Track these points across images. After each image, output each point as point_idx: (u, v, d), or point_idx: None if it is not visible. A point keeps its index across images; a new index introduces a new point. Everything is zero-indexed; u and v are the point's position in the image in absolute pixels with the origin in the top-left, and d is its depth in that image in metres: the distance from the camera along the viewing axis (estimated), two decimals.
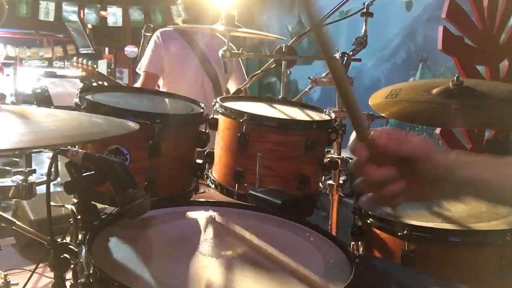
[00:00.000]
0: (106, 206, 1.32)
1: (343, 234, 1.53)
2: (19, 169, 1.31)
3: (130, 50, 7.52)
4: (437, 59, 4.06)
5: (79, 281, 0.84)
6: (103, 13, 6.95)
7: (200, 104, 1.54)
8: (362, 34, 1.83)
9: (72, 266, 0.98)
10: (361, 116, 0.81)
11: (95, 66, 3.13)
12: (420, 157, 0.77)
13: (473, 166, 0.78)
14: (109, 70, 7.92)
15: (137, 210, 0.95)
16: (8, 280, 1.67)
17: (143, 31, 3.15)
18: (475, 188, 0.78)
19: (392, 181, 0.77)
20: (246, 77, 2.89)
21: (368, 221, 1.30)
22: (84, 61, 3.12)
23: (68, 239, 1.27)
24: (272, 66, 2.02)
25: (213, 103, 1.52)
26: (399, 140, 0.78)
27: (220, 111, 1.47)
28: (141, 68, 2.73)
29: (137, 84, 2.80)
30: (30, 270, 1.79)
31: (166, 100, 1.63)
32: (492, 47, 2.78)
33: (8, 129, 0.90)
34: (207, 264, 0.91)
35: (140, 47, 3.21)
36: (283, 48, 1.91)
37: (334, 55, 0.79)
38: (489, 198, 0.85)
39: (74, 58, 3.21)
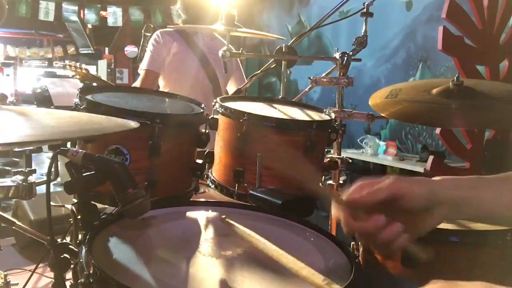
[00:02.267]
0: (106, 206, 1.32)
1: (343, 234, 1.52)
2: (19, 169, 1.31)
3: (130, 50, 7.53)
4: (437, 59, 4.06)
5: (79, 281, 0.84)
6: (103, 13, 6.95)
7: (200, 104, 1.54)
8: (362, 34, 1.83)
9: (72, 266, 0.98)
10: (324, 191, 0.86)
11: (88, 69, 3.13)
12: (396, 197, 0.77)
13: (458, 187, 0.78)
14: (109, 70, 7.94)
15: (137, 210, 0.95)
16: (8, 280, 1.67)
17: (143, 31, 3.15)
18: (464, 209, 0.78)
19: (386, 226, 0.76)
20: (245, 78, 2.89)
21: None
22: (78, 64, 3.12)
23: (68, 239, 1.27)
24: (272, 66, 2.02)
25: (213, 103, 1.52)
26: (370, 192, 0.78)
27: (220, 111, 1.47)
28: (142, 66, 2.73)
29: (137, 82, 2.79)
30: (30, 270, 1.78)
31: (166, 100, 1.63)
32: (492, 47, 2.78)
33: (8, 126, 0.90)
34: (207, 264, 0.91)
35: (140, 47, 3.20)
36: (283, 48, 1.91)
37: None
38: (478, 218, 0.85)
39: (67, 61, 3.20)
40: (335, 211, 0.83)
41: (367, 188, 0.79)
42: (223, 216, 1.03)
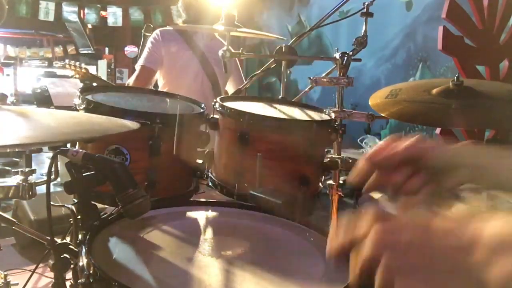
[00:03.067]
0: (106, 206, 1.32)
1: None
2: (19, 169, 1.31)
3: (130, 50, 7.53)
4: (437, 59, 4.06)
5: (79, 281, 0.84)
6: (103, 13, 6.95)
7: (200, 104, 1.54)
8: (362, 34, 1.83)
9: (72, 266, 0.98)
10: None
11: (87, 68, 3.12)
12: (419, 154, 0.79)
13: (479, 155, 0.81)
14: (109, 70, 7.94)
15: (137, 210, 0.95)
16: (8, 280, 1.67)
17: (143, 31, 3.15)
18: (483, 174, 0.80)
19: (411, 178, 0.79)
20: (244, 79, 2.89)
21: None
22: (77, 63, 3.11)
23: (68, 239, 1.27)
24: (272, 66, 2.02)
25: (213, 103, 1.52)
26: (392, 147, 0.80)
27: (220, 111, 1.47)
28: (139, 62, 2.72)
29: (132, 78, 2.75)
30: (30, 270, 1.79)
31: (166, 100, 1.63)
32: (492, 47, 2.78)
33: (8, 127, 0.90)
34: (207, 264, 0.91)
35: (140, 47, 3.20)
36: (283, 48, 1.91)
37: None
38: (500, 186, 0.87)
39: (67, 61, 3.20)
40: (361, 166, 0.82)
41: (392, 144, 0.81)
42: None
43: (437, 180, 0.80)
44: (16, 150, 4.35)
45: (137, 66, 2.73)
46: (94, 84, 3.07)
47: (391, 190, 0.81)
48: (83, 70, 3.08)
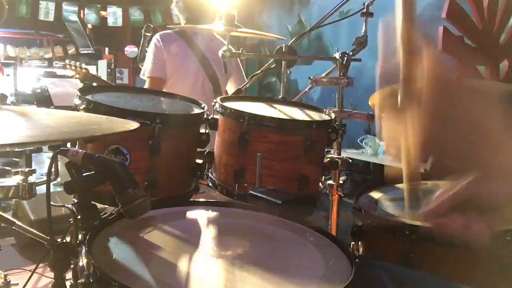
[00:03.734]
0: (106, 206, 1.32)
1: (343, 234, 1.53)
2: (19, 169, 1.31)
3: (130, 50, 7.54)
4: None
5: (79, 281, 0.84)
6: (103, 13, 6.96)
7: (200, 104, 1.54)
8: (362, 34, 1.83)
9: (72, 266, 0.98)
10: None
11: (87, 68, 3.12)
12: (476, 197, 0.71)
13: None
14: (109, 70, 7.94)
15: (137, 210, 0.95)
16: (8, 280, 1.67)
17: (143, 31, 3.15)
18: None
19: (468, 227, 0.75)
20: (245, 79, 2.89)
21: (368, 221, 1.30)
22: (78, 63, 3.11)
23: (68, 239, 1.27)
24: (272, 66, 2.02)
25: (213, 103, 1.52)
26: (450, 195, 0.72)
27: (220, 111, 1.47)
28: (145, 74, 2.72)
29: None
30: (30, 270, 1.79)
31: (166, 100, 1.63)
32: (492, 47, 2.78)
33: (8, 126, 0.90)
34: (207, 264, 0.91)
35: (140, 47, 3.21)
36: (283, 48, 1.91)
37: None
38: None
39: (67, 61, 3.20)
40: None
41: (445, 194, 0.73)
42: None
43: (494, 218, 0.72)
44: (16, 150, 4.35)
45: (144, 77, 2.73)
46: (94, 84, 3.07)
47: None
48: (83, 71, 3.07)
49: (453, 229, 0.73)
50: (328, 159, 1.59)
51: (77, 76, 3.07)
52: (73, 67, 3.05)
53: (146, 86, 2.73)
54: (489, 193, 0.72)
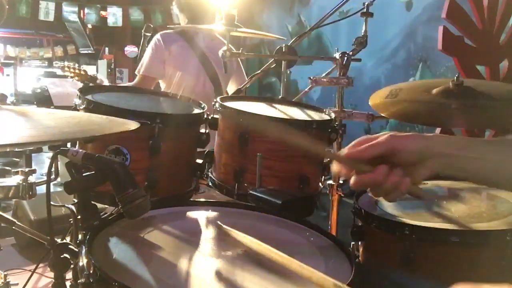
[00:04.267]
0: (106, 206, 1.32)
1: (343, 234, 1.53)
2: (19, 169, 1.31)
3: (130, 50, 7.53)
4: (437, 59, 4.05)
5: (79, 281, 0.84)
6: (103, 13, 6.95)
7: (200, 104, 1.54)
8: (362, 34, 1.83)
9: (72, 266, 0.98)
10: (320, 149, 0.99)
11: (86, 70, 3.11)
12: (392, 149, 0.84)
13: (446, 145, 0.85)
14: (109, 70, 7.94)
15: (137, 210, 0.95)
16: (8, 280, 1.67)
17: (143, 31, 3.15)
18: (454, 162, 0.84)
19: (389, 173, 0.83)
20: (246, 78, 2.89)
21: (368, 221, 1.30)
22: (76, 65, 3.09)
23: (68, 239, 1.27)
24: (272, 66, 2.02)
25: (213, 103, 1.52)
26: (368, 147, 0.85)
27: (220, 111, 1.47)
28: (140, 70, 2.72)
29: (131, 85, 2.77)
30: (30, 270, 1.78)
31: (166, 100, 1.63)
32: (492, 47, 2.78)
33: (8, 126, 0.90)
34: (207, 264, 0.91)
35: (140, 47, 3.20)
36: (283, 48, 1.91)
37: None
38: (466, 176, 0.90)
39: (65, 63, 3.18)
40: (337, 169, 0.88)
41: (364, 143, 0.86)
42: (223, 216, 1.03)
43: (412, 170, 0.84)
44: (16, 150, 4.35)
45: (138, 73, 2.73)
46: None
47: (375, 188, 0.85)
48: (82, 72, 3.07)
49: (377, 174, 0.83)
50: (328, 159, 1.59)
51: (76, 78, 3.06)
52: (71, 69, 3.04)
53: (135, 82, 2.72)
54: (405, 151, 0.83)
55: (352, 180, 0.85)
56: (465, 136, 2.83)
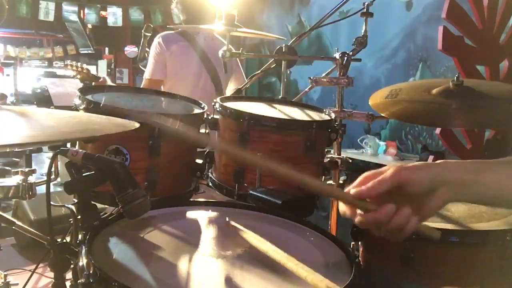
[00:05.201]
0: (106, 206, 1.32)
1: (343, 234, 1.52)
2: (19, 169, 1.31)
3: (130, 50, 7.53)
4: (437, 59, 4.06)
5: (79, 281, 0.84)
6: (103, 13, 6.94)
7: (200, 104, 1.54)
8: (362, 34, 1.83)
9: (72, 266, 0.98)
10: (331, 190, 0.93)
11: (89, 69, 3.12)
12: (400, 184, 0.79)
13: (460, 170, 0.81)
14: (109, 70, 7.94)
15: (137, 210, 0.95)
16: (8, 280, 1.67)
17: (143, 31, 3.16)
18: (465, 190, 0.80)
19: (396, 213, 0.79)
20: (245, 78, 2.89)
21: None
22: (79, 64, 3.11)
23: (68, 239, 1.27)
24: (272, 66, 2.02)
25: (213, 103, 1.52)
26: (374, 184, 0.80)
27: (220, 111, 1.47)
28: (145, 75, 2.74)
29: None
30: (30, 270, 1.79)
31: (167, 100, 1.63)
32: (492, 47, 2.78)
33: (8, 127, 0.90)
34: (207, 264, 0.91)
35: (140, 47, 3.21)
36: (283, 48, 1.91)
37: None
38: (481, 201, 0.87)
39: (68, 61, 3.20)
40: (342, 208, 0.84)
41: (370, 180, 0.81)
42: (227, 219, 1.03)
43: (421, 204, 0.80)
44: (16, 150, 4.35)
45: (144, 78, 2.74)
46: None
47: (380, 228, 0.81)
48: (85, 71, 3.07)
49: (382, 214, 0.79)
50: (328, 159, 1.59)
51: (78, 76, 3.07)
52: (74, 67, 3.05)
53: (142, 86, 2.74)
54: (414, 183, 0.78)
55: (357, 220, 0.82)
56: (466, 133, 2.83)
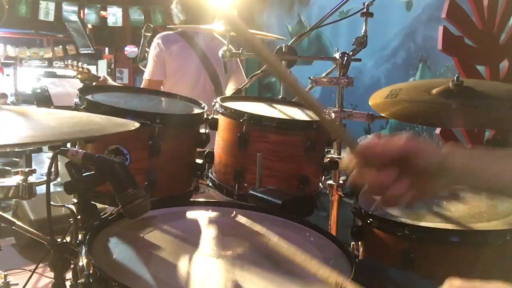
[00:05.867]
0: (106, 206, 1.32)
1: (343, 234, 1.53)
2: (19, 169, 1.31)
3: (130, 50, 7.52)
4: (437, 59, 4.05)
5: (79, 281, 0.84)
6: (103, 13, 6.94)
7: (200, 104, 1.54)
8: (362, 34, 1.83)
9: (72, 266, 0.98)
10: (345, 133, 0.88)
11: (89, 69, 3.12)
12: (410, 154, 0.78)
13: (468, 157, 0.81)
14: (109, 70, 7.93)
15: (137, 210, 0.95)
16: (8, 280, 1.67)
17: (143, 31, 3.15)
18: (471, 177, 0.81)
19: (395, 182, 0.78)
20: (245, 79, 2.89)
21: (368, 221, 1.30)
22: (79, 63, 3.10)
23: (68, 239, 1.27)
24: None
25: (213, 103, 1.52)
26: (386, 143, 0.79)
27: (220, 111, 1.47)
28: (145, 75, 2.74)
29: None
30: (30, 270, 1.79)
31: (167, 100, 1.63)
32: (492, 47, 2.78)
33: (8, 127, 0.90)
34: (207, 264, 0.91)
35: (140, 47, 3.20)
36: (283, 48, 1.91)
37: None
38: (485, 187, 0.88)
39: (69, 61, 3.19)
40: (347, 159, 0.82)
41: (383, 140, 0.80)
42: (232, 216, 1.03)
43: (424, 181, 0.79)
44: (16, 150, 4.35)
45: (144, 78, 2.74)
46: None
47: (376, 188, 0.80)
48: (85, 71, 3.07)
49: (385, 175, 0.78)
50: (328, 159, 1.59)
51: (79, 76, 3.06)
52: (75, 67, 3.05)
53: (142, 87, 2.74)
54: (425, 156, 0.78)
55: (356, 172, 0.80)
56: (466, 133, 2.83)
